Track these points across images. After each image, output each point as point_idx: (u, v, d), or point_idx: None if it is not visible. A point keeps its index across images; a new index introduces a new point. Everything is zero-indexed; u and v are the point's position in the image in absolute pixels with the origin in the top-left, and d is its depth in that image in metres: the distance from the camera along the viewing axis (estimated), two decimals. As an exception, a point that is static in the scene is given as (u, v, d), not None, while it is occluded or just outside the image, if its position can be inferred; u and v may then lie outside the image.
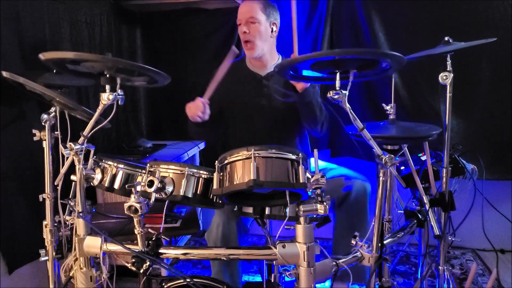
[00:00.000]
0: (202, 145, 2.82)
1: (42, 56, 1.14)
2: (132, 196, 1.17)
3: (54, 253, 1.50)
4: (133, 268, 1.22)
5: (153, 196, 1.14)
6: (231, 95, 1.95)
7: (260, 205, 1.25)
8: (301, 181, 1.09)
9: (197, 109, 1.71)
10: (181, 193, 1.17)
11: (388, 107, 1.60)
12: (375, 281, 1.37)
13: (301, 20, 2.60)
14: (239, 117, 1.96)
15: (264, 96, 1.92)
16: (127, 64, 1.23)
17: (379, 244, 1.31)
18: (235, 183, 1.10)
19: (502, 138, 2.39)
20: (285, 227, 1.19)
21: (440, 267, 1.60)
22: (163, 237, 1.30)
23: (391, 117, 1.60)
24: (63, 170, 1.39)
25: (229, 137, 2.01)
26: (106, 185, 1.31)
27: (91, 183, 1.32)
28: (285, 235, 1.19)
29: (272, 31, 1.87)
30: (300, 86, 1.69)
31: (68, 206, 1.37)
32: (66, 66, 1.28)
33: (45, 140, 1.48)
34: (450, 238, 1.60)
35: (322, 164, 1.97)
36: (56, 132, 1.48)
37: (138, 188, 1.17)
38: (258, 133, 1.92)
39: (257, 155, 1.09)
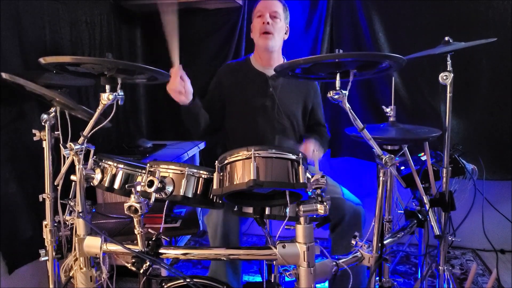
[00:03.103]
0: (202, 145, 2.82)
1: (43, 60, 1.15)
2: (132, 196, 1.17)
3: (54, 253, 1.50)
4: (133, 268, 1.22)
5: (153, 196, 1.14)
6: (234, 94, 1.94)
7: (260, 205, 1.25)
8: (301, 181, 1.09)
9: (174, 82, 1.64)
10: (181, 193, 1.17)
11: (388, 110, 1.59)
12: (375, 281, 1.37)
13: (301, 20, 2.62)
14: (241, 117, 1.94)
15: (269, 96, 1.91)
16: (127, 65, 1.24)
17: (379, 244, 1.31)
18: (235, 183, 1.10)
19: (502, 138, 2.39)
20: (285, 227, 1.19)
21: (440, 267, 1.60)
22: (163, 237, 1.30)
23: (391, 119, 1.59)
24: (63, 170, 1.39)
25: (231, 137, 2.01)
26: (106, 185, 1.31)
27: (91, 183, 1.32)
28: (285, 235, 1.19)
29: (285, 32, 1.95)
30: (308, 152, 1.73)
31: (68, 206, 1.37)
32: (67, 67, 1.29)
33: (45, 140, 1.48)
34: (450, 238, 1.60)
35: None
36: (56, 132, 1.48)
37: (138, 188, 1.17)
38: (259, 133, 1.91)
39: (257, 155, 1.09)
